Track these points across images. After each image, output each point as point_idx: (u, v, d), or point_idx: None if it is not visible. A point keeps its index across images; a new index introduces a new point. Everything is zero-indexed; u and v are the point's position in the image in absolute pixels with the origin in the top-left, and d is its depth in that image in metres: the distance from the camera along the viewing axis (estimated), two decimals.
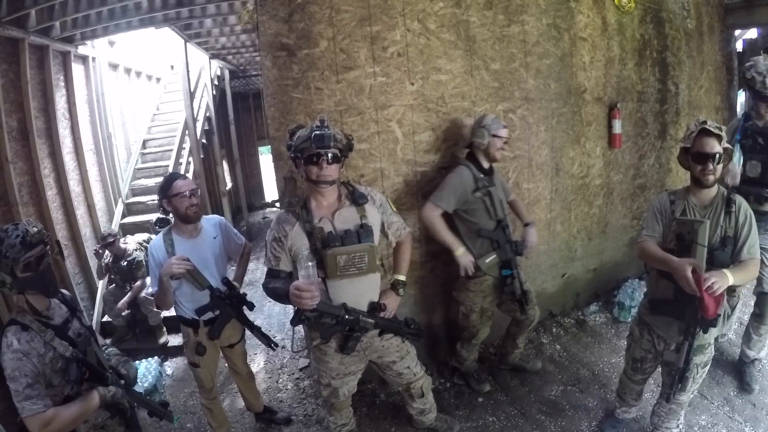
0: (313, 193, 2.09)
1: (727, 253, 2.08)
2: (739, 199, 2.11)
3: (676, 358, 2.19)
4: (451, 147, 3.16)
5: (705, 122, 2.08)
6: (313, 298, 1.80)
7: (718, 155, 2.05)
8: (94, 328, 2.02)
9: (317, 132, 1.91)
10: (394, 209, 2.30)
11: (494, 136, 2.76)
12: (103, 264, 4.70)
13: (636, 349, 2.47)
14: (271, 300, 4.77)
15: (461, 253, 2.80)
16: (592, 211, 3.89)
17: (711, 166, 2.06)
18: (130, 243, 4.80)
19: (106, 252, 4.66)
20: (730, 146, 2.10)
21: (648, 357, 2.43)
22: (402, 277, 2.33)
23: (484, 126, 2.78)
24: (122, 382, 1.88)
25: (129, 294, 4.52)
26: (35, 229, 1.69)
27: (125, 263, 4.62)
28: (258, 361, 4.07)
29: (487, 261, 2.82)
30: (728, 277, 1.96)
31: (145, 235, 5.12)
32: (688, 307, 2.08)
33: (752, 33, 6.96)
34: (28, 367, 1.60)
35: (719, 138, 2.05)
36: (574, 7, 3.49)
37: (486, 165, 2.85)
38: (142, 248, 4.73)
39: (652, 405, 2.62)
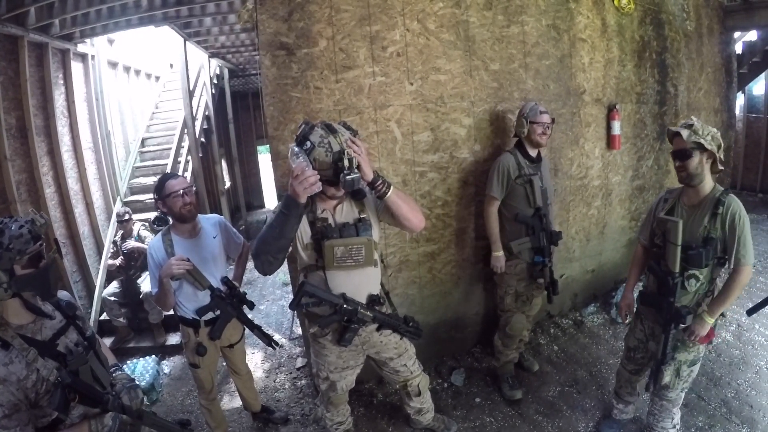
0: (320, 193, 2.09)
1: (703, 254, 2.09)
2: (729, 200, 2.09)
3: (656, 349, 2.31)
4: (450, 147, 3.16)
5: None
6: (315, 176, 1.74)
7: (684, 151, 2.10)
8: (95, 335, 1.77)
9: (349, 178, 1.80)
10: None
11: (533, 122, 2.84)
12: (112, 245, 4.94)
13: (630, 338, 2.59)
14: (269, 299, 4.85)
15: (498, 254, 2.98)
16: (590, 212, 3.90)
17: (678, 163, 2.14)
18: (137, 223, 5.01)
19: (117, 231, 4.93)
20: (701, 140, 2.06)
21: (640, 347, 2.52)
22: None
23: (523, 115, 2.89)
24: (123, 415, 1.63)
25: (129, 244, 4.70)
26: (42, 220, 1.53)
27: (133, 239, 4.77)
28: (255, 360, 4.07)
29: (519, 245, 2.94)
30: (708, 322, 2.15)
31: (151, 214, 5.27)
32: (665, 301, 2.19)
33: (752, 35, 7.00)
34: (5, 396, 1.40)
35: (682, 135, 2.08)
36: (574, 8, 3.49)
37: (533, 153, 2.93)
38: (145, 226, 4.97)
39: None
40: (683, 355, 2.28)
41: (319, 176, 1.76)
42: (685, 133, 2.07)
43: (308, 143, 1.84)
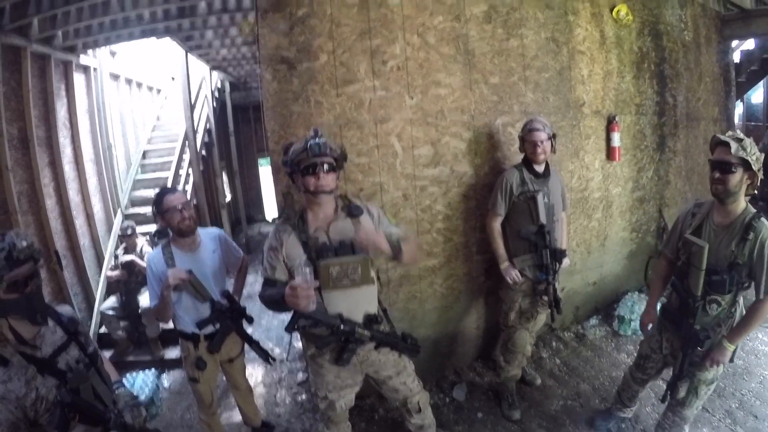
0: (310, 204, 2.10)
1: (727, 280, 2.03)
2: (761, 226, 1.99)
3: (674, 364, 2.29)
4: (450, 161, 3.17)
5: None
6: (309, 298, 1.78)
7: (729, 164, 1.99)
8: (97, 351, 1.76)
9: (312, 141, 1.94)
10: (393, 222, 2.30)
11: (524, 140, 2.85)
12: (114, 258, 4.93)
13: (644, 346, 2.56)
14: (269, 313, 4.83)
15: (505, 267, 2.94)
16: (591, 225, 3.89)
17: (717, 175, 2.02)
18: (140, 238, 5.04)
19: (119, 244, 4.99)
20: (749, 158, 1.96)
21: (652, 356, 2.49)
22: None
23: (520, 133, 2.90)
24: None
25: (126, 257, 4.71)
26: (24, 244, 1.46)
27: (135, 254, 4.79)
28: (256, 375, 4.05)
29: (521, 261, 2.91)
30: (728, 349, 2.10)
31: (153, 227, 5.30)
32: (685, 322, 2.16)
33: (749, 44, 7.04)
34: (3, 414, 1.38)
35: (729, 146, 1.97)
36: (573, 20, 3.51)
37: (539, 168, 2.90)
38: (149, 242, 4.96)
39: (653, 417, 2.63)
40: (703, 375, 2.24)
41: (314, 297, 1.81)
42: (734, 145, 1.95)
43: (291, 148, 2.03)
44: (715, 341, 2.14)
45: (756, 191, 2.07)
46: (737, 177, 1.99)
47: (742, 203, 2.07)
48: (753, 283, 2.07)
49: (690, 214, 2.28)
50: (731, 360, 2.19)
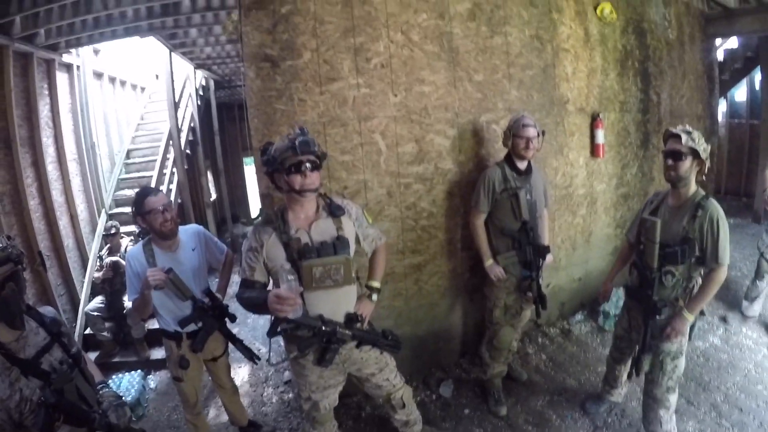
0: (292, 204, 2.08)
1: (679, 252, 2.25)
2: (708, 205, 2.22)
3: (638, 339, 2.48)
4: (435, 158, 3.17)
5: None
6: (295, 305, 1.77)
7: (679, 153, 2.24)
8: (80, 351, 1.74)
9: (301, 139, 1.92)
10: (370, 221, 2.32)
11: (515, 136, 2.82)
12: (98, 259, 4.96)
13: (618, 328, 2.80)
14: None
15: (489, 264, 2.94)
16: (575, 221, 3.91)
17: (670, 162, 2.28)
18: (125, 238, 5.06)
19: (104, 245, 4.99)
20: (697, 148, 2.21)
21: (624, 336, 2.70)
22: (375, 284, 2.33)
23: (509, 128, 2.88)
24: None
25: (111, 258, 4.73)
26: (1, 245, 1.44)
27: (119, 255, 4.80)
28: (242, 374, 4.03)
29: (505, 258, 2.92)
30: (687, 318, 2.30)
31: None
32: (644, 295, 2.37)
33: (732, 42, 7.13)
34: None
35: (680, 138, 2.23)
36: (557, 18, 3.52)
37: (521, 165, 2.89)
38: (134, 242, 4.91)
39: (638, 412, 2.72)
40: (665, 347, 2.38)
41: (300, 304, 1.82)
42: (684, 137, 2.22)
43: (271, 147, 2.02)
44: (675, 312, 2.33)
45: (704, 177, 2.32)
46: (687, 164, 2.25)
47: (692, 187, 2.32)
48: (705, 257, 2.27)
49: (649, 202, 2.54)
50: (689, 338, 2.41)
